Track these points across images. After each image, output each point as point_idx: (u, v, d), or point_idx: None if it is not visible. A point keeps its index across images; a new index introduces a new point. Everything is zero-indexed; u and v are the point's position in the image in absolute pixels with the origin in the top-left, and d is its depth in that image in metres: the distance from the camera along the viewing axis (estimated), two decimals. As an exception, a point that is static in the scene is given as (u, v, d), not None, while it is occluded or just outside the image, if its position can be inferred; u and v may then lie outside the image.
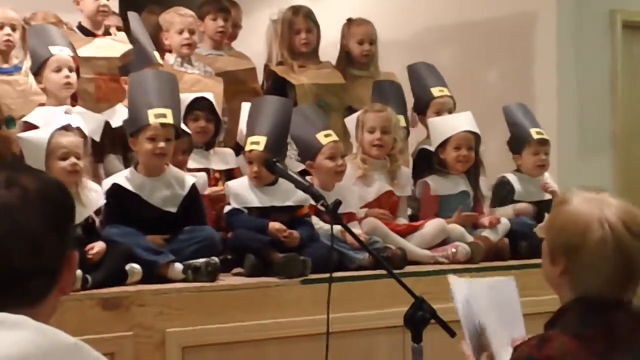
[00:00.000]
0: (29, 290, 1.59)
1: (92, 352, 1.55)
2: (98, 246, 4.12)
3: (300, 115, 5.06)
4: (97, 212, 4.44)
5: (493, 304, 2.68)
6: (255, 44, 6.48)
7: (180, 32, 5.61)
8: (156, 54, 5.20)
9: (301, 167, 5.10)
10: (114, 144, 5.03)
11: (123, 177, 4.49)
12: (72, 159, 4.20)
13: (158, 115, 4.44)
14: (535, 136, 5.58)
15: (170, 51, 5.66)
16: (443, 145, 5.44)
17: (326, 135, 4.96)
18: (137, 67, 5.02)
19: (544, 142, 5.61)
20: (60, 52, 4.92)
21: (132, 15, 5.38)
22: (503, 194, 5.60)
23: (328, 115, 5.64)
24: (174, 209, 4.48)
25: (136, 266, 4.17)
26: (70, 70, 4.91)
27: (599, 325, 2.25)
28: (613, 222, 2.26)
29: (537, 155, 5.59)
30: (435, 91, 5.82)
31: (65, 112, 4.69)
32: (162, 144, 4.43)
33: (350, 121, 5.49)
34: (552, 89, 7.16)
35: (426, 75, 5.92)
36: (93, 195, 4.32)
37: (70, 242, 1.66)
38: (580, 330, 2.24)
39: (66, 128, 4.33)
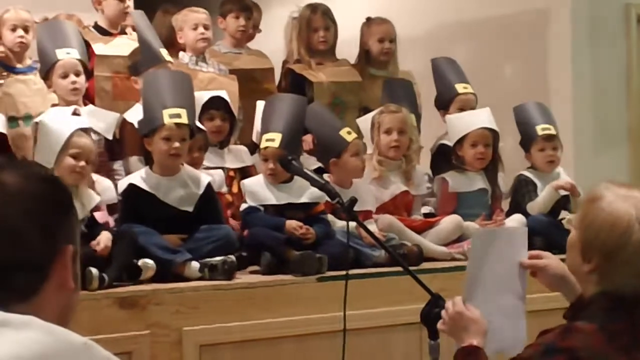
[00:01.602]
0: (14, 284, 1.57)
1: (102, 352, 1.54)
2: (103, 240, 4.11)
3: (318, 113, 5.06)
4: (112, 211, 4.46)
5: (502, 253, 2.69)
6: (270, 42, 6.49)
7: (195, 28, 5.62)
8: (164, 51, 5.18)
9: (315, 164, 5.11)
10: (134, 144, 5.00)
11: (139, 177, 4.50)
12: (82, 162, 4.24)
13: (173, 115, 4.44)
14: (540, 132, 5.51)
15: (185, 50, 5.67)
16: (460, 142, 5.43)
17: (349, 133, 4.96)
18: (146, 66, 5.03)
19: (549, 138, 5.52)
20: (67, 56, 4.94)
21: (136, 13, 5.38)
22: (525, 191, 5.53)
23: (344, 113, 5.65)
24: (190, 208, 4.48)
25: (149, 261, 4.17)
26: (78, 74, 4.94)
27: (626, 320, 2.25)
28: None
29: (543, 152, 5.52)
30: (460, 87, 5.80)
31: (74, 113, 4.71)
32: (177, 144, 4.43)
33: (363, 122, 5.47)
34: (567, 84, 7.14)
35: (450, 71, 5.90)
36: (92, 194, 4.34)
37: (63, 236, 1.64)
38: (606, 324, 2.24)
39: (86, 130, 4.36)
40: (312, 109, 5.12)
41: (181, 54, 5.65)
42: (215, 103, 5.15)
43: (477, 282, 2.66)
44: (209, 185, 4.56)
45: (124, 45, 5.50)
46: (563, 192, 5.48)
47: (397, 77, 6.00)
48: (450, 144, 5.54)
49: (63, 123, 4.40)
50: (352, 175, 4.93)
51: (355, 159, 4.93)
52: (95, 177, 4.56)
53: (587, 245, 2.32)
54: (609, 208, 2.29)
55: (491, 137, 5.43)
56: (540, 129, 5.54)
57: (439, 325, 2.69)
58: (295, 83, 5.93)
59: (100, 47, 5.39)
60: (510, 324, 2.66)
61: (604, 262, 2.29)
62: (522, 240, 2.76)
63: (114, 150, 5.06)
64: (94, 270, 3.90)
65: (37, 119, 4.48)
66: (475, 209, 5.34)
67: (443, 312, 2.66)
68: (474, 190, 5.42)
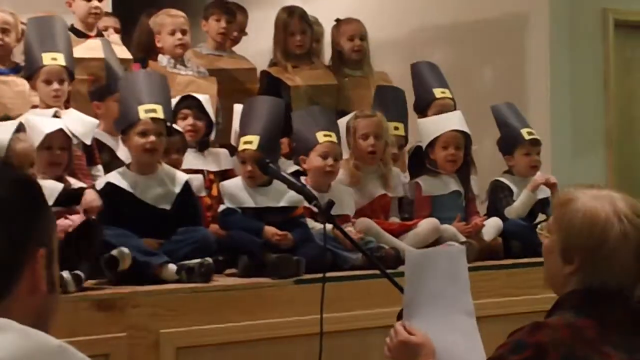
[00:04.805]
0: None
1: (77, 355, 1.53)
2: (89, 195, 4.18)
3: (309, 114, 5.08)
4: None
5: (442, 273, 2.71)
6: (250, 45, 6.50)
7: (172, 33, 5.63)
8: None
9: (293, 167, 5.11)
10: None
11: (117, 175, 4.50)
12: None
13: (148, 111, 4.47)
14: (527, 137, 5.53)
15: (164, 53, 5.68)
16: (432, 145, 5.43)
17: (325, 135, 4.95)
18: (110, 93, 5.05)
19: (535, 143, 5.56)
20: (53, 62, 4.92)
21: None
22: (502, 196, 5.54)
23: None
24: (167, 207, 4.48)
25: (125, 249, 4.12)
26: (61, 82, 4.93)
27: (594, 315, 2.26)
28: (629, 215, 2.28)
29: (529, 156, 5.54)
30: (438, 92, 5.78)
31: (55, 116, 4.70)
32: (152, 138, 4.43)
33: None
34: (545, 88, 7.18)
35: (429, 75, 5.89)
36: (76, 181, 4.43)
37: (33, 239, 1.62)
38: (574, 319, 2.26)
39: (20, 129, 4.33)
40: (306, 109, 5.18)
41: (160, 56, 5.66)
42: (187, 102, 5.16)
43: (419, 303, 2.68)
44: (186, 184, 4.56)
45: (98, 48, 5.47)
46: (541, 196, 5.50)
47: (389, 85, 5.98)
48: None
49: (41, 122, 4.44)
50: (318, 176, 4.89)
51: (320, 159, 4.88)
52: (72, 180, 4.54)
53: (568, 246, 2.33)
54: (585, 207, 2.31)
55: (462, 139, 5.42)
56: (526, 132, 5.55)
57: (385, 353, 2.70)
58: (271, 86, 5.93)
59: (75, 50, 5.36)
60: (467, 342, 2.67)
61: (585, 260, 2.30)
62: (461, 258, 2.78)
63: (93, 154, 5.04)
64: (66, 275, 3.83)
65: (20, 119, 4.48)
66: (451, 211, 5.34)
67: (387, 340, 2.67)
68: (448, 193, 5.41)
